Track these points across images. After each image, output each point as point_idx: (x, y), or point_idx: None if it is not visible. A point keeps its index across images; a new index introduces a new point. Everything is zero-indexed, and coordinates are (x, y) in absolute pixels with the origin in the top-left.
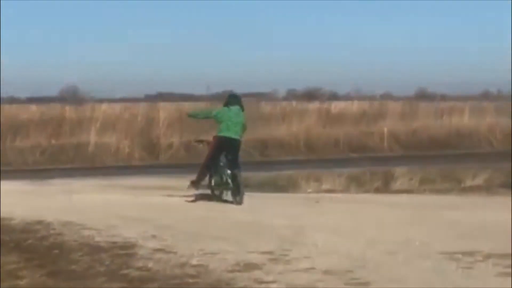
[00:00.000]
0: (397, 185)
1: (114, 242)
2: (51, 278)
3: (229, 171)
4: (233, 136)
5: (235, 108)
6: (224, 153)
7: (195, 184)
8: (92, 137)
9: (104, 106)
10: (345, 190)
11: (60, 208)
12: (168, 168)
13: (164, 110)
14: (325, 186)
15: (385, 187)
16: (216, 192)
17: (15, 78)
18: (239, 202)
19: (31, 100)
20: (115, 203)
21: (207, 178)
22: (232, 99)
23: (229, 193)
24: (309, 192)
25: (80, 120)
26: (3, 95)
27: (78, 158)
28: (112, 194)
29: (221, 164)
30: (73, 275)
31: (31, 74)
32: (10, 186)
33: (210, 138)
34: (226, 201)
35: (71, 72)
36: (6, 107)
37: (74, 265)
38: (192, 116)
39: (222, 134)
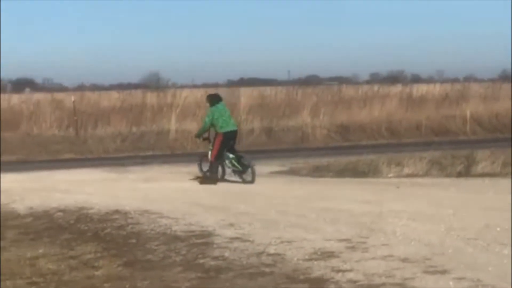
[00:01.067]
0: (479, 168)
1: (191, 231)
2: (127, 268)
3: (232, 155)
4: (233, 128)
5: (221, 105)
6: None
7: (210, 180)
8: (173, 124)
9: (185, 92)
10: (427, 174)
11: (138, 197)
12: (249, 154)
13: (245, 96)
14: (406, 170)
15: (467, 171)
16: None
17: (98, 65)
18: (251, 181)
19: (113, 87)
20: (194, 191)
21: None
22: (214, 98)
23: (237, 175)
24: (390, 177)
25: (161, 106)
26: (86, 82)
27: (158, 145)
28: (191, 182)
29: (226, 152)
30: (149, 265)
31: (114, 61)
32: (89, 175)
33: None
34: (236, 182)
35: (153, 59)
36: (88, 94)
37: (150, 255)
38: (198, 136)
39: (225, 129)
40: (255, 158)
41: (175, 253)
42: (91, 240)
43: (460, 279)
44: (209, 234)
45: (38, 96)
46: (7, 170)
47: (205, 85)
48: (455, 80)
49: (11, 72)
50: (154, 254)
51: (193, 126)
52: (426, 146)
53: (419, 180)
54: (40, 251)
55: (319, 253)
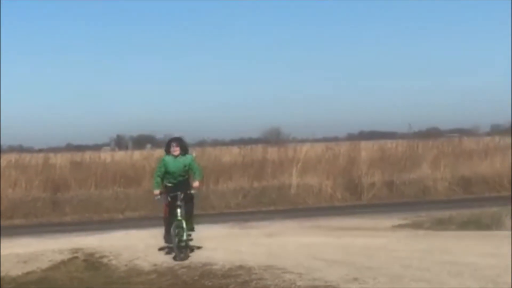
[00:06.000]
0: None
1: (316, 286)
2: None
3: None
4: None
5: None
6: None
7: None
8: (294, 179)
9: (306, 147)
10: None
11: (261, 252)
12: (371, 208)
13: (366, 149)
14: None
15: None
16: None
17: (219, 120)
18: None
19: (234, 142)
20: (317, 245)
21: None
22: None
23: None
24: None
25: (282, 161)
26: (207, 138)
27: (280, 200)
28: (314, 236)
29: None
30: None
31: (235, 116)
32: (212, 231)
33: None
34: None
35: (274, 114)
36: (209, 150)
37: None
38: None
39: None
40: (377, 211)
41: None
42: None
43: None
44: None
45: (160, 152)
46: (130, 227)
47: (325, 139)
48: None
49: (132, 129)
50: None
51: (314, 180)
52: None
53: None
54: None
55: None
